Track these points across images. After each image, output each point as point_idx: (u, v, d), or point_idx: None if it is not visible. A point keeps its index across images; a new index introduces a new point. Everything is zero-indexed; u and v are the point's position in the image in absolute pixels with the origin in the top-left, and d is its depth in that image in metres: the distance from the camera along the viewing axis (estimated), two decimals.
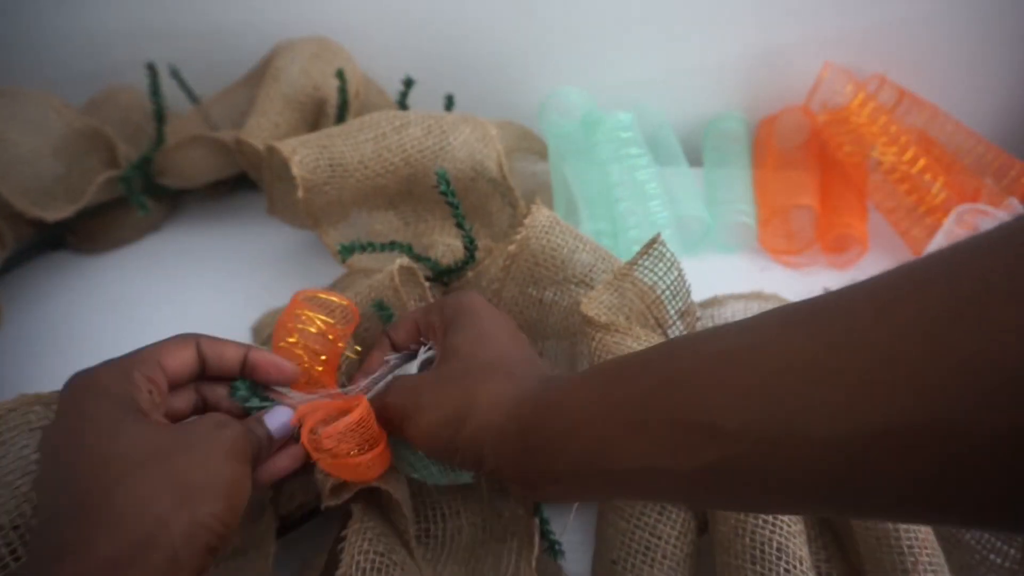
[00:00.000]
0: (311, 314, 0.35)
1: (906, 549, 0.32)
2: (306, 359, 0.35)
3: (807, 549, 0.33)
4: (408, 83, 0.61)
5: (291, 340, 0.35)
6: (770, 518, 0.32)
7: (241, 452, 0.29)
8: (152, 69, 0.59)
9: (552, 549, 0.38)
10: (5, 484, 0.29)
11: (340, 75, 0.58)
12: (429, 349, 0.36)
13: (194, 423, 0.29)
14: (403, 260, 0.41)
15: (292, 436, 0.33)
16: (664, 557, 0.34)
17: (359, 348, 0.40)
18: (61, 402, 0.29)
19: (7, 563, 0.29)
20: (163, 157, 0.61)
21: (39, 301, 0.58)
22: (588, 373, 0.29)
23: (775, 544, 0.32)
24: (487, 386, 0.30)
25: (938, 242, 0.54)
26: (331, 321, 0.36)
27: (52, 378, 0.51)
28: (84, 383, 0.29)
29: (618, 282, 0.39)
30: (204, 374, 0.33)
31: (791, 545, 0.32)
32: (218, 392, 0.33)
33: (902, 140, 0.62)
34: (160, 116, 0.60)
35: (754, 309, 0.47)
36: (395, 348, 0.37)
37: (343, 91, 0.58)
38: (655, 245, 0.39)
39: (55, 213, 0.55)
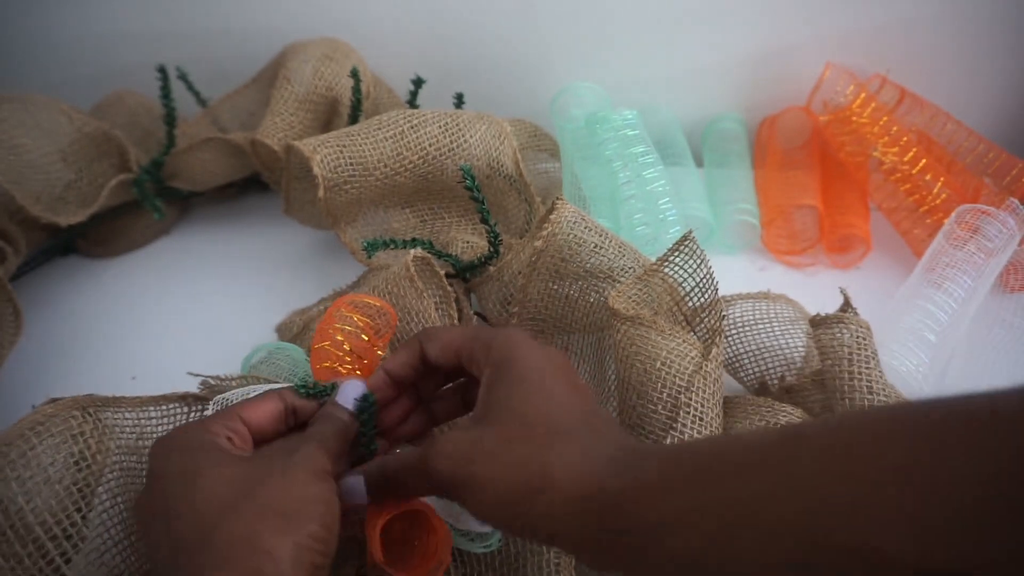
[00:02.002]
0: (348, 313, 0.36)
1: None
2: (347, 360, 0.35)
3: None
4: (418, 82, 0.62)
5: (327, 344, 0.35)
6: None
7: (319, 469, 0.29)
8: (163, 72, 0.59)
9: None
10: (50, 487, 0.30)
11: (355, 74, 0.58)
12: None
13: (267, 453, 0.30)
14: (417, 251, 0.42)
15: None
16: None
17: None
18: (148, 471, 0.30)
19: (57, 565, 0.30)
20: (174, 160, 0.61)
21: (52, 306, 0.59)
22: (685, 452, 0.26)
23: None
24: (560, 455, 0.27)
25: (939, 242, 0.55)
26: (368, 320, 0.36)
27: (69, 381, 0.53)
28: (162, 446, 0.30)
29: (648, 277, 0.40)
30: (296, 425, 0.33)
31: None
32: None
33: (903, 140, 0.63)
34: (171, 119, 0.61)
35: (762, 309, 0.48)
36: (426, 359, 0.33)
37: (357, 91, 0.59)
38: (687, 242, 0.40)
39: (68, 218, 0.55)
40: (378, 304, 0.37)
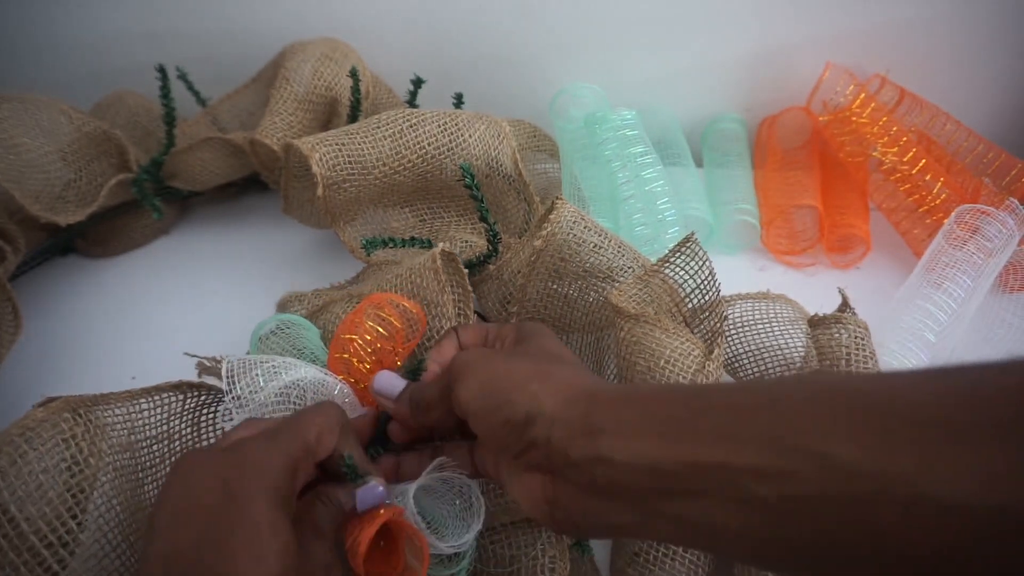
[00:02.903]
0: (387, 315, 0.35)
1: None
2: (368, 359, 0.35)
3: None
4: (417, 82, 0.62)
5: (354, 337, 0.35)
6: None
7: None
8: (162, 71, 0.59)
9: (580, 544, 0.38)
10: (43, 494, 0.30)
11: (353, 74, 0.58)
12: None
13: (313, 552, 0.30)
14: (446, 245, 0.41)
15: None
16: (686, 551, 0.34)
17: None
18: (209, 471, 0.28)
19: (55, 572, 0.29)
20: (173, 160, 0.61)
21: (51, 306, 0.59)
22: (670, 383, 0.28)
23: None
24: (565, 368, 0.30)
25: (939, 242, 0.55)
26: (400, 326, 0.36)
27: (68, 381, 0.53)
28: (241, 466, 0.28)
29: (648, 277, 0.40)
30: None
31: None
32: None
33: (903, 141, 0.63)
34: (171, 119, 0.61)
35: (762, 309, 0.48)
36: (461, 347, 0.37)
37: (356, 90, 0.59)
38: (688, 243, 0.40)
39: (67, 217, 0.55)
40: (415, 310, 0.37)
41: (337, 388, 0.35)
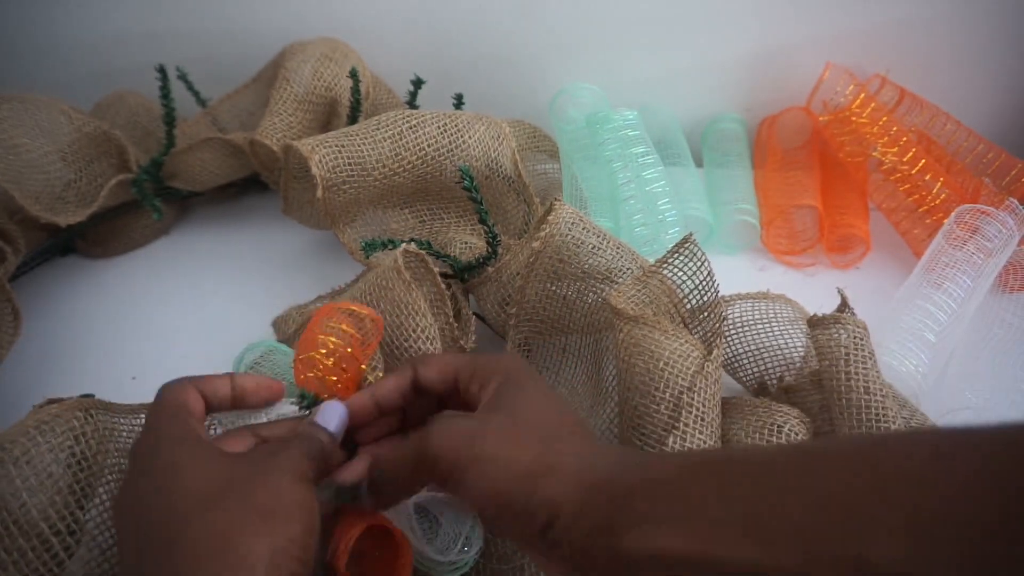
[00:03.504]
0: (336, 323, 0.35)
1: None
2: (329, 368, 0.35)
3: None
4: (417, 83, 0.62)
5: (312, 353, 0.35)
6: None
7: (303, 473, 0.28)
8: (162, 71, 0.59)
9: None
10: (53, 484, 0.30)
11: (353, 74, 0.58)
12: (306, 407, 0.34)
13: (251, 453, 0.29)
14: (409, 246, 0.41)
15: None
16: None
17: (381, 375, 0.39)
18: (129, 466, 0.29)
19: (61, 559, 0.30)
20: (173, 160, 0.61)
21: (51, 306, 0.59)
22: (693, 457, 0.26)
23: None
24: (569, 446, 0.28)
25: (939, 242, 0.55)
26: (353, 330, 0.36)
27: (67, 381, 0.53)
28: (146, 440, 0.29)
29: (647, 278, 0.40)
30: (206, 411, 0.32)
31: None
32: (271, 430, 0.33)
33: (903, 141, 0.63)
34: (170, 119, 0.61)
35: (762, 309, 0.48)
36: (417, 384, 0.33)
37: (356, 91, 0.59)
38: (687, 244, 0.40)
39: (67, 218, 0.55)
40: (365, 312, 0.37)
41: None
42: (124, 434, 0.35)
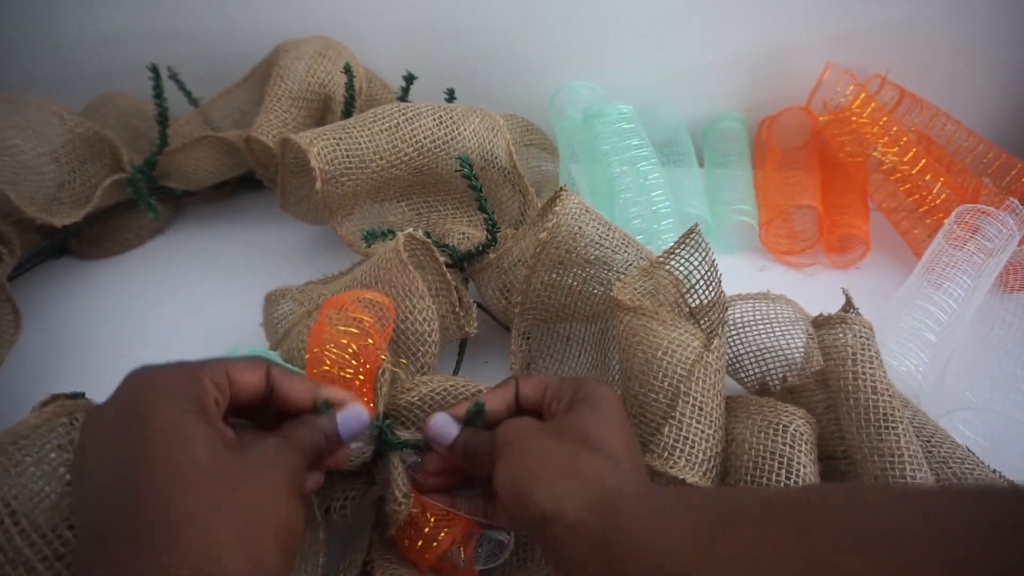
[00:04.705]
0: (354, 313, 0.34)
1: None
2: (347, 366, 0.34)
3: None
4: (409, 79, 0.61)
5: (323, 349, 0.34)
6: None
7: (294, 487, 0.28)
8: (155, 71, 0.59)
9: None
10: (39, 503, 0.29)
11: (347, 70, 0.58)
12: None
13: (257, 447, 0.28)
14: (411, 232, 0.40)
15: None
16: None
17: (405, 361, 0.39)
18: (118, 397, 0.27)
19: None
20: (167, 159, 0.61)
21: (46, 307, 0.58)
22: (695, 496, 0.27)
23: None
24: (590, 460, 0.29)
25: (939, 242, 0.55)
26: (370, 320, 0.35)
27: (65, 383, 0.52)
28: (149, 380, 0.27)
29: (653, 270, 0.40)
30: (270, 403, 0.31)
31: None
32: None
33: (903, 141, 0.63)
34: (164, 118, 0.60)
35: (762, 310, 0.47)
36: (520, 399, 0.36)
37: (350, 86, 0.58)
38: (692, 235, 0.40)
39: (63, 218, 0.55)
40: (379, 299, 0.36)
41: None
42: None
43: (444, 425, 0.34)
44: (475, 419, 0.35)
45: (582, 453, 0.29)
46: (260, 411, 0.32)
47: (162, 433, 0.25)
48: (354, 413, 0.32)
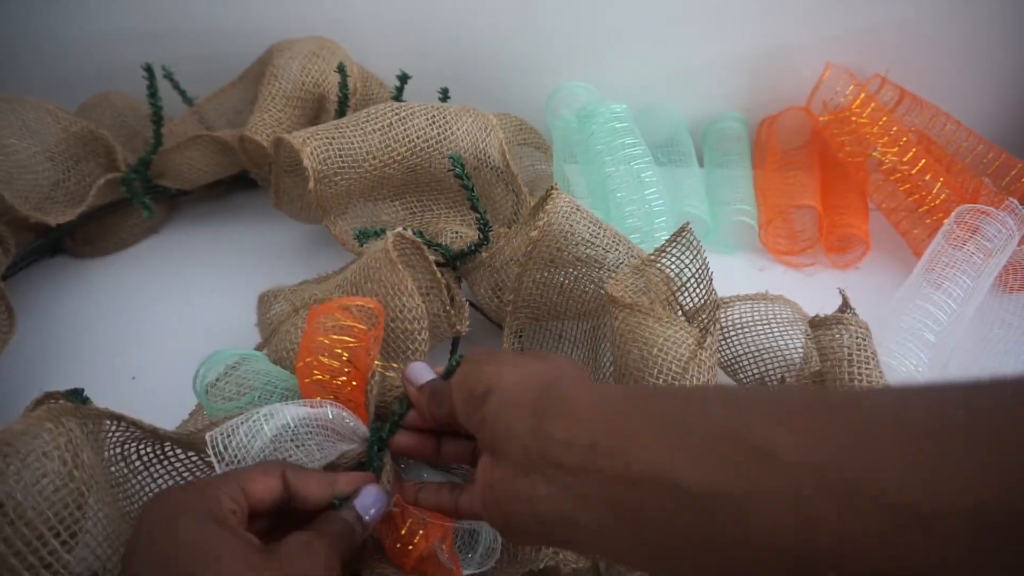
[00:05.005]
0: (343, 320, 0.34)
1: None
2: (339, 374, 0.34)
3: None
4: (403, 78, 0.61)
5: (314, 358, 0.34)
6: None
7: (334, 571, 0.28)
8: (150, 71, 0.59)
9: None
10: (44, 499, 0.29)
11: (341, 69, 0.58)
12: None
13: (283, 547, 0.28)
14: (400, 231, 0.40)
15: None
16: None
17: (396, 365, 0.39)
18: (142, 525, 0.28)
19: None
20: (162, 158, 0.61)
21: (41, 306, 0.58)
22: (633, 385, 0.28)
23: None
24: (542, 363, 0.30)
25: (939, 242, 0.55)
26: (357, 325, 0.34)
27: (61, 383, 0.51)
28: (166, 506, 0.28)
29: (644, 267, 0.40)
30: (288, 506, 0.31)
31: None
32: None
33: (903, 141, 0.62)
34: (158, 117, 0.60)
35: (761, 310, 0.47)
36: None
37: (344, 85, 0.58)
38: (683, 233, 0.40)
39: (58, 217, 0.54)
40: (368, 304, 0.36)
41: (330, 413, 0.33)
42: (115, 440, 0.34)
43: (421, 370, 0.36)
44: (451, 374, 0.36)
45: (534, 359, 0.30)
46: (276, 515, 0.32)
47: (190, 551, 0.26)
48: (372, 496, 0.32)
